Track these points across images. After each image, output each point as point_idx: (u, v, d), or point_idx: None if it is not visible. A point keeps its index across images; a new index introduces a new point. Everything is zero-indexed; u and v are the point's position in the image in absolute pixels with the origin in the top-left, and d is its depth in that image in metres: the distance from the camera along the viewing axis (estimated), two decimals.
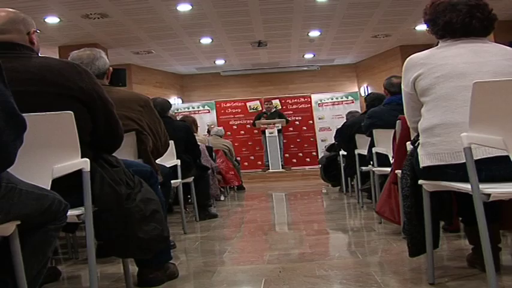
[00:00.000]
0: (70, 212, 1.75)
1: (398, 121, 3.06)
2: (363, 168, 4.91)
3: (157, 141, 2.97)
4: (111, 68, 2.82)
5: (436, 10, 2.16)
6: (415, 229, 2.20)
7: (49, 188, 1.70)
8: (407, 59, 2.20)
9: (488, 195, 1.72)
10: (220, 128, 9.59)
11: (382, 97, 4.68)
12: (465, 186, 1.82)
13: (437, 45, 2.24)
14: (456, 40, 2.12)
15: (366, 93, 11.33)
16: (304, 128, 13.16)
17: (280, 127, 11.53)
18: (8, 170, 1.48)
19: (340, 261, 2.79)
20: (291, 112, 13.11)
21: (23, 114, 1.71)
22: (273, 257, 3.00)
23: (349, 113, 7.40)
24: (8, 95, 1.37)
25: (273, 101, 12.57)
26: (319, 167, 8.29)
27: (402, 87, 2.26)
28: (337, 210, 5.36)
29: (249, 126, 12.76)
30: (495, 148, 1.81)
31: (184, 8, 7.96)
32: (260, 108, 12.96)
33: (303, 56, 12.47)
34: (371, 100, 5.00)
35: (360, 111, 9.07)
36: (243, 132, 13.17)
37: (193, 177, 4.78)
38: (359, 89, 13.53)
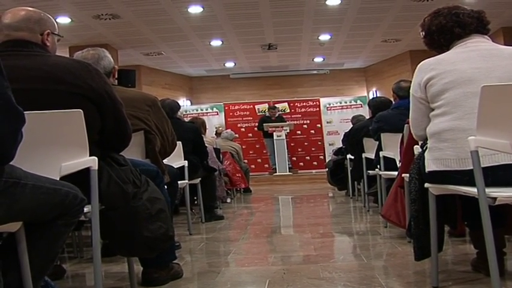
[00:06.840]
0: None
1: (406, 125, 3.06)
2: (370, 172, 4.90)
3: (165, 140, 2.98)
4: (116, 67, 2.84)
5: (425, 24, 2.27)
6: (422, 233, 2.20)
7: None
8: (419, 65, 2.22)
9: (494, 198, 1.73)
10: (232, 131, 9.58)
11: (386, 101, 4.68)
12: (471, 190, 1.82)
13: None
14: (463, 41, 2.14)
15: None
16: (312, 131, 13.13)
17: (288, 130, 11.52)
18: (17, 166, 1.48)
19: (344, 263, 2.79)
20: (299, 115, 13.11)
21: (33, 112, 1.73)
22: (278, 258, 3.01)
23: (354, 117, 7.39)
24: (5, 87, 1.34)
25: (276, 105, 12.55)
26: (326, 170, 8.28)
27: (411, 92, 2.26)
28: (343, 214, 5.35)
29: (256, 129, 12.73)
30: (502, 153, 1.81)
31: (195, 10, 8.01)
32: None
33: (313, 60, 12.48)
34: (375, 105, 4.96)
35: (367, 115, 9.04)
36: (250, 135, 13.12)
37: (200, 179, 4.80)
38: (368, 93, 13.53)
